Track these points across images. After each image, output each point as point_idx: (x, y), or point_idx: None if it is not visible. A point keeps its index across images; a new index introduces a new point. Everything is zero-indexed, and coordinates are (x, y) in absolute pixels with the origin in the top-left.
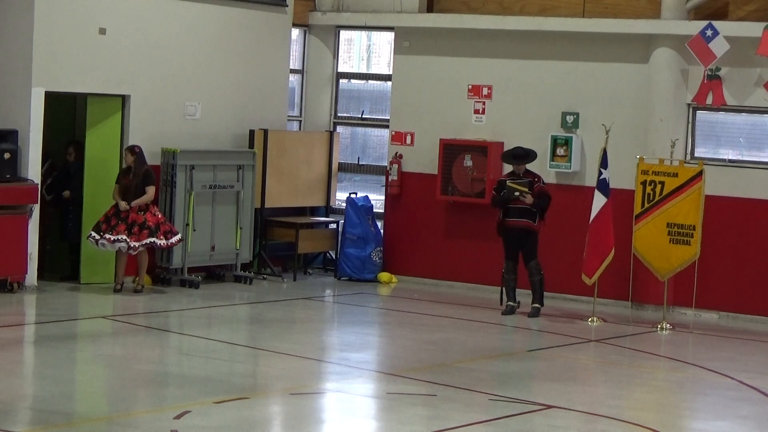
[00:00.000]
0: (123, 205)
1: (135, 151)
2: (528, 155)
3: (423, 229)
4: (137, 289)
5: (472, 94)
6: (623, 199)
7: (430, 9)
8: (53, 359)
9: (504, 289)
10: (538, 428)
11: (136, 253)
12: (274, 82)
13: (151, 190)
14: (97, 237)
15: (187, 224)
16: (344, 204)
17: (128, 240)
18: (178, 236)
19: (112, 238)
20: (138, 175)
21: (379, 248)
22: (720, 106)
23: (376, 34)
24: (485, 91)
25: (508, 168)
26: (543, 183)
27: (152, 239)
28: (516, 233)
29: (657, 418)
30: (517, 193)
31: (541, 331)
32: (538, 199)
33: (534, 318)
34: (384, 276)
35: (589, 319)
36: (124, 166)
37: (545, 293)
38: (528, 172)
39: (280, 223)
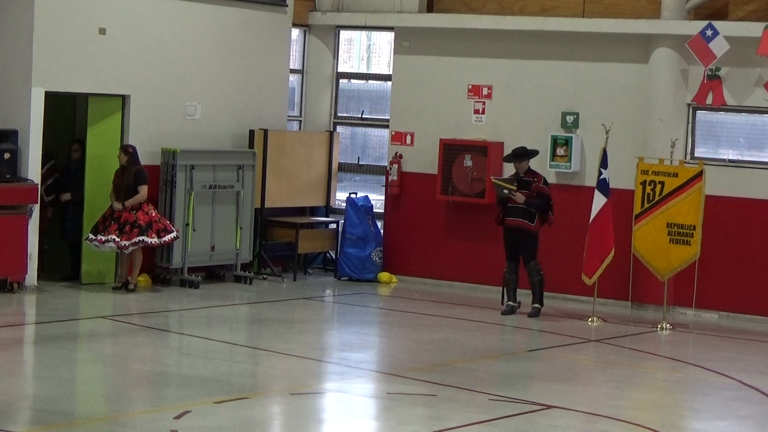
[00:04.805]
0: (117, 205)
1: (129, 151)
2: (526, 153)
3: (423, 229)
4: (130, 288)
5: (472, 94)
6: (623, 199)
7: (430, 9)
8: (53, 359)
9: (505, 288)
10: (538, 428)
11: (128, 252)
12: (274, 82)
13: (143, 190)
14: (93, 238)
15: (187, 224)
16: (344, 204)
17: (117, 239)
18: (173, 234)
19: (102, 239)
20: (130, 174)
21: (379, 248)
22: (720, 106)
23: (376, 34)
24: (485, 91)
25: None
26: (545, 184)
27: (142, 237)
28: (512, 232)
29: (657, 418)
30: (505, 191)
31: (541, 331)
32: (535, 198)
33: (534, 318)
34: (384, 276)
35: (589, 319)
36: (118, 166)
37: (545, 293)
38: (530, 172)
39: (280, 223)
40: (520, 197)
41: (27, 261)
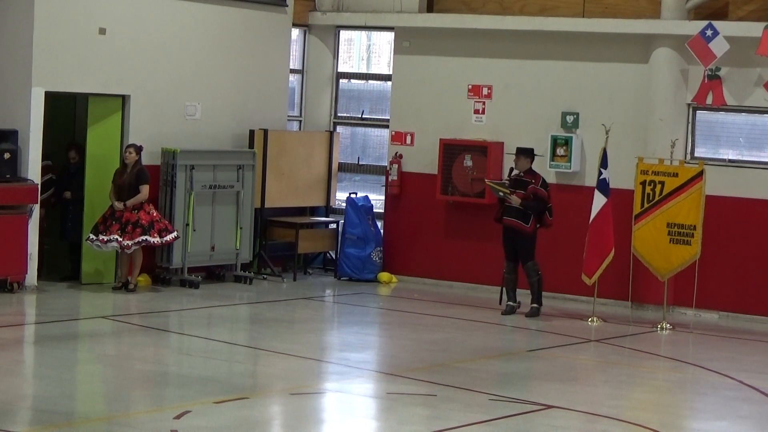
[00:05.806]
0: (118, 205)
1: (138, 150)
2: (531, 152)
3: (423, 229)
4: (130, 288)
5: (472, 94)
6: (623, 199)
7: (430, 9)
8: (53, 359)
9: (504, 288)
10: (538, 428)
11: (130, 251)
12: (274, 82)
13: (144, 189)
14: (94, 238)
15: (187, 224)
16: (344, 204)
17: (120, 239)
18: (174, 234)
19: (105, 239)
20: (132, 174)
21: (379, 248)
22: (720, 106)
23: (376, 34)
24: (485, 91)
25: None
26: (543, 185)
27: (145, 237)
28: (508, 232)
29: (657, 418)
30: (500, 194)
31: (541, 331)
32: (531, 201)
33: (533, 318)
34: (384, 276)
35: (589, 319)
36: (122, 164)
37: (544, 293)
38: (530, 173)
39: (280, 223)
40: (515, 200)
41: (27, 261)
